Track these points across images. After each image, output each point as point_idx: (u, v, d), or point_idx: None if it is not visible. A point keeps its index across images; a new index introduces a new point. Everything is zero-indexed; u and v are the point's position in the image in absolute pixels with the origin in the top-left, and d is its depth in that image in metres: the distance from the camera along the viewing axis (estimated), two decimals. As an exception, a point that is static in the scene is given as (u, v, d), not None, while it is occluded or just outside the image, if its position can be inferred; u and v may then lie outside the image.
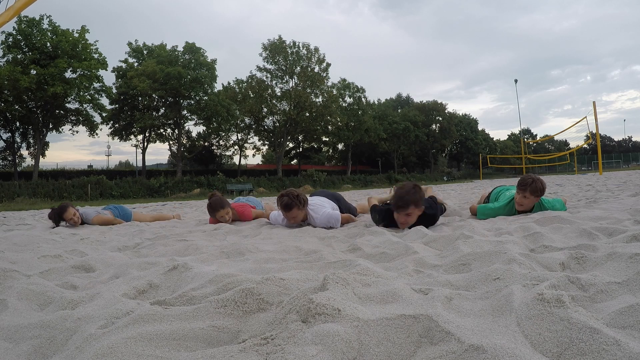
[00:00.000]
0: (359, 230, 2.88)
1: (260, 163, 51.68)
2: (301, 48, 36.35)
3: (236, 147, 39.01)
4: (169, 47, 32.07)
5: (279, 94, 36.16)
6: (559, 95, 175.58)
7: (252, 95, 35.20)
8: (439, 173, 47.92)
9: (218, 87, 34.00)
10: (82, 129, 33.20)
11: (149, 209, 9.41)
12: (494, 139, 64.29)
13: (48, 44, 25.37)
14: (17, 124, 28.64)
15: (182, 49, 31.99)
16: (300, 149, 46.25)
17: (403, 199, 2.74)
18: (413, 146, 48.80)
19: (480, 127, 60.24)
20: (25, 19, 24.89)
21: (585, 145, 53.47)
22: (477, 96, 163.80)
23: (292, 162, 48.04)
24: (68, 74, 25.91)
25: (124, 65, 31.80)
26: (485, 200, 3.83)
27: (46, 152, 30.24)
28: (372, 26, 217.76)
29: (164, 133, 33.53)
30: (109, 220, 4.50)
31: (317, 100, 37.05)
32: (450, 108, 75.67)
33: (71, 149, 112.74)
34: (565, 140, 78.83)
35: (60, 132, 28.84)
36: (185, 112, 32.55)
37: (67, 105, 27.44)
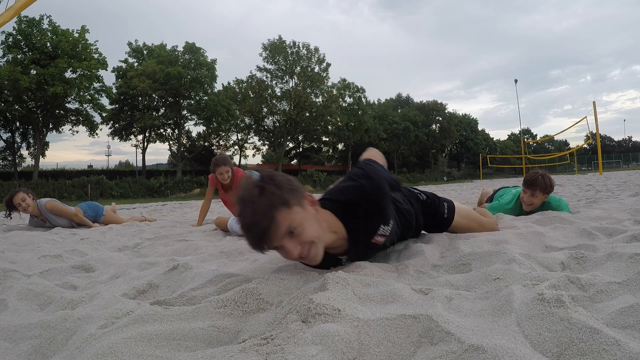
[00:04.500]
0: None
1: (260, 163, 51.63)
2: (301, 48, 36.36)
3: (236, 147, 39.02)
4: (169, 47, 32.09)
5: (279, 94, 36.14)
6: (559, 95, 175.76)
7: (252, 95, 35.18)
8: (439, 173, 47.88)
9: (218, 87, 34.03)
10: (82, 129, 33.25)
11: (149, 209, 9.41)
12: (494, 139, 64.26)
13: (48, 44, 25.37)
14: (17, 124, 28.65)
15: (182, 49, 31.99)
16: (300, 149, 46.24)
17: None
18: (413, 146, 48.78)
19: (480, 127, 60.29)
20: (25, 19, 24.89)
21: (585, 145, 53.47)
22: (477, 96, 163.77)
23: (292, 162, 48.02)
24: (68, 74, 25.93)
25: (124, 65, 31.81)
26: (488, 201, 3.78)
27: (46, 152, 30.28)
28: (372, 26, 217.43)
29: (164, 133, 33.53)
30: (63, 210, 4.22)
31: (317, 100, 37.03)
32: (450, 108, 75.94)
33: (71, 149, 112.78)
34: (565, 140, 78.88)
35: (60, 132, 28.89)
36: (185, 112, 32.55)
37: (67, 105, 27.46)
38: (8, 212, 4.36)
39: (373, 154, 1.92)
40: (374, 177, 1.49)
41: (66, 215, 4.27)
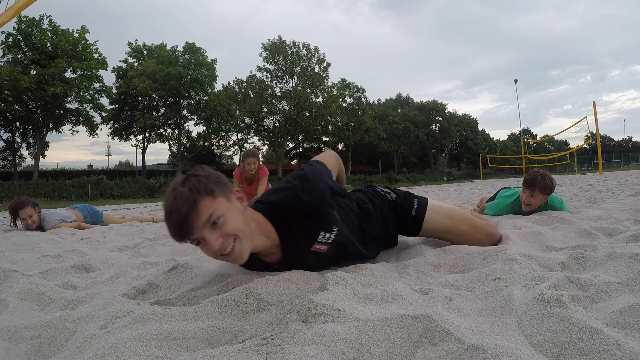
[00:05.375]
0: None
1: (260, 163, 51.60)
2: (301, 48, 36.36)
3: (236, 147, 39.02)
4: (169, 47, 32.11)
5: (279, 94, 36.16)
6: (559, 95, 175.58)
7: (252, 95, 35.19)
8: (439, 173, 47.88)
9: (218, 87, 34.05)
10: (82, 129, 33.19)
11: (149, 209, 9.40)
12: (494, 139, 64.31)
13: (48, 44, 25.38)
14: (17, 124, 28.65)
15: (182, 49, 32.01)
16: (300, 149, 46.23)
17: None
18: (413, 146, 48.81)
19: (480, 127, 60.34)
20: (25, 19, 24.89)
21: (585, 145, 53.47)
22: (477, 96, 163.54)
23: (292, 162, 48.02)
24: (68, 74, 25.93)
25: (124, 65, 31.83)
26: (489, 201, 3.78)
27: (46, 152, 30.28)
28: (372, 26, 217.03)
29: (164, 133, 33.55)
30: (67, 228, 4.08)
31: (317, 100, 37.04)
32: (450, 108, 76.02)
33: (71, 149, 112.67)
34: (565, 140, 78.88)
35: (60, 132, 28.89)
36: (185, 112, 32.57)
37: (67, 105, 27.46)
38: (13, 221, 4.15)
39: (324, 157, 1.67)
40: (311, 178, 1.36)
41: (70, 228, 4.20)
